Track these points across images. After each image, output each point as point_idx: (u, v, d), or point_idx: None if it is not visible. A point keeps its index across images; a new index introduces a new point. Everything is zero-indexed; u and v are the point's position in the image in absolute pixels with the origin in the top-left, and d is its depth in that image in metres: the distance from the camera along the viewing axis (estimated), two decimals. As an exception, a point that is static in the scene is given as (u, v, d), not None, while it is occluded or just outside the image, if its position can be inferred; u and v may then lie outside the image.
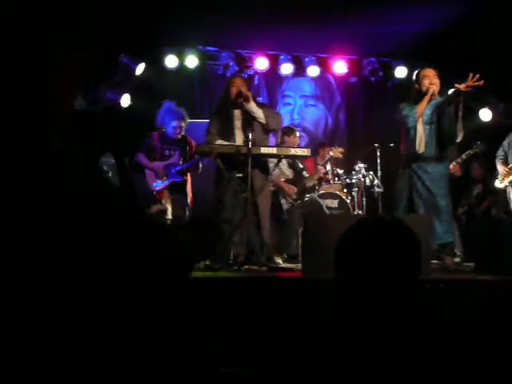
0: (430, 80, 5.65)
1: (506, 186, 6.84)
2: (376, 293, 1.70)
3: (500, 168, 6.91)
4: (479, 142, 7.14)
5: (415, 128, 5.63)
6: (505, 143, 6.96)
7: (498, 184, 6.96)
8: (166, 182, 6.58)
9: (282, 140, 7.31)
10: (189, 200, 6.66)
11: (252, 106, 5.68)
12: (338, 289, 1.78)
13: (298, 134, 7.61)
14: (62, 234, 1.51)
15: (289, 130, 7.46)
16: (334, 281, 1.77)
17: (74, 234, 1.32)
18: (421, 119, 5.63)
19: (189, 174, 6.75)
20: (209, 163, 6.31)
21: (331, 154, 7.50)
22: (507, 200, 6.94)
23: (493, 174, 7.17)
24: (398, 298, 1.71)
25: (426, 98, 5.64)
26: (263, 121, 5.69)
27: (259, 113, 5.71)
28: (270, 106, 9.00)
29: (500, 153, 6.98)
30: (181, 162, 6.69)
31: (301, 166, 7.43)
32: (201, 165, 6.66)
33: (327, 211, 7.22)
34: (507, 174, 6.78)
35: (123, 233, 1.16)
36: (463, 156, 7.26)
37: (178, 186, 6.66)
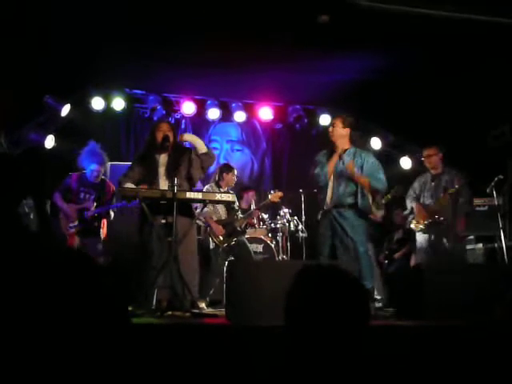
0: (331, 130, 5.78)
1: (422, 229, 6.91)
2: (329, 340, 1.70)
3: (417, 207, 6.96)
4: (396, 186, 7.14)
5: (327, 185, 5.73)
6: (415, 185, 7.12)
7: (414, 225, 7.00)
8: (77, 226, 6.53)
9: (220, 177, 7.23)
10: (101, 245, 6.61)
11: (189, 137, 5.74)
12: (288, 337, 1.76)
13: (235, 172, 7.50)
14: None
15: (227, 168, 7.38)
16: (283, 328, 1.76)
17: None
18: (332, 175, 5.72)
19: (104, 219, 6.74)
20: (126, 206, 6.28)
21: (269, 197, 7.46)
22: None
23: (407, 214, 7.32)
24: (350, 344, 1.72)
25: (335, 156, 5.74)
26: (204, 150, 5.70)
27: (198, 140, 5.76)
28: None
29: (410, 193, 7.10)
30: (93, 208, 6.64)
31: (236, 207, 7.38)
32: (112, 213, 6.68)
33: (254, 256, 7.23)
34: (424, 217, 6.87)
35: (44, 281, 1.11)
36: (382, 200, 7.31)
37: (92, 230, 6.61)
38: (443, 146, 7.08)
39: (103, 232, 6.75)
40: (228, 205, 7.10)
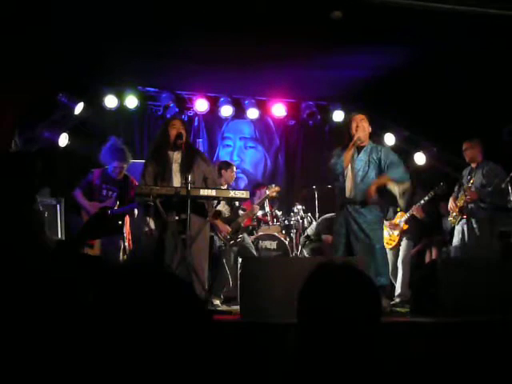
0: (358, 124, 5.74)
1: (453, 222, 6.93)
2: (341, 337, 1.69)
3: (450, 203, 7.01)
4: (440, 184, 7.09)
5: (343, 175, 5.71)
6: (460, 179, 7.11)
7: (449, 220, 7.06)
8: None
9: (218, 174, 7.05)
10: (126, 243, 6.55)
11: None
12: (300, 334, 1.76)
13: (234, 168, 7.51)
14: None
15: (226, 165, 7.37)
16: (296, 326, 1.75)
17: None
18: (350, 165, 5.69)
19: (127, 217, 6.67)
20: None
21: (267, 192, 7.44)
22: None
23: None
24: (362, 341, 1.71)
25: (351, 144, 5.70)
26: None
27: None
28: (208, 150, 9.08)
29: (455, 188, 7.12)
30: (116, 206, 6.55)
31: (237, 203, 7.31)
32: (137, 211, 6.56)
33: (255, 252, 7.17)
34: (453, 210, 6.88)
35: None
36: (426, 198, 7.10)
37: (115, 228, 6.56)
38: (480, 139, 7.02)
39: (126, 230, 6.66)
40: (230, 202, 7.02)
